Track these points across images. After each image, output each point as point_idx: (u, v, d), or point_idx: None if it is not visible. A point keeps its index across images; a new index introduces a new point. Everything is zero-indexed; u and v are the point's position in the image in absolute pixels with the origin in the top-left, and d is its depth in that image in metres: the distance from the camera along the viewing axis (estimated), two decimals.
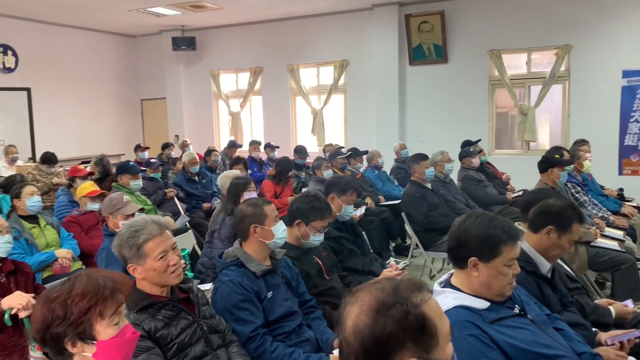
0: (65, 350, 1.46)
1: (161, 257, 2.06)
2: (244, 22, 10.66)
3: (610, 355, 2.10)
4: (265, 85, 10.85)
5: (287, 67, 10.39)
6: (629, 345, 2.17)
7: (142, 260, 2.06)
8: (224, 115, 11.62)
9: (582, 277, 3.23)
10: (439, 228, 4.72)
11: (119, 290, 1.50)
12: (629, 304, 2.64)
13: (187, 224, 5.32)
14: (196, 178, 6.54)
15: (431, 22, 8.97)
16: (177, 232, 4.40)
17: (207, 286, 3.02)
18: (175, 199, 6.03)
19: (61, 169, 7.52)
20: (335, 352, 2.40)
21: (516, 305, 1.88)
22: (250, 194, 4.07)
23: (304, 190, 6.25)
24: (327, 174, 5.90)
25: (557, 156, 4.64)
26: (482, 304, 1.80)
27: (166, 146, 9.01)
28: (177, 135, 11.34)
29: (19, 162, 8.14)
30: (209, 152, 7.76)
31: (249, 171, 7.64)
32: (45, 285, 3.08)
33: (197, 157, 6.77)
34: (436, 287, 1.93)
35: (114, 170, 5.93)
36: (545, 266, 2.39)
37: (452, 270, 1.95)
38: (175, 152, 9.42)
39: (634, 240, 4.66)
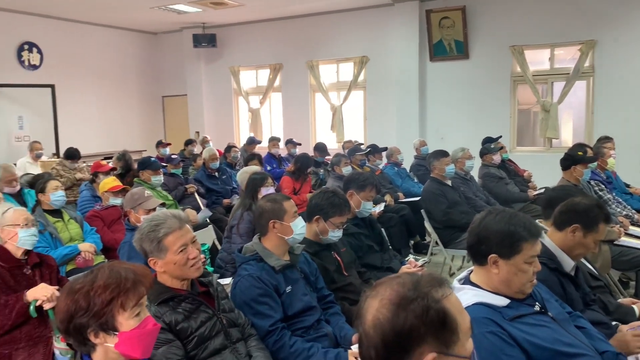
0: (88, 341, 1.48)
1: (181, 251, 2.08)
2: (264, 19, 10.69)
3: (627, 337, 2.09)
4: (284, 82, 10.87)
5: (306, 63, 10.40)
6: None
7: (162, 254, 2.08)
8: (243, 111, 11.68)
9: (605, 276, 3.18)
10: (459, 225, 4.68)
11: (141, 283, 1.52)
12: None
13: (207, 219, 5.36)
14: (216, 174, 6.59)
15: (452, 17, 8.89)
16: (197, 227, 4.45)
17: (227, 280, 3.05)
18: (196, 195, 6.09)
19: (84, 164, 7.65)
20: (354, 347, 2.40)
21: (537, 303, 1.85)
22: (267, 190, 4.09)
23: (322, 187, 6.25)
24: (346, 170, 5.89)
25: (580, 153, 4.57)
26: (501, 301, 1.78)
27: (189, 142, 9.09)
28: (197, 132, 11.43)
29: (43, 158, 8.29)
30: (229, 148, 7.81)
31: (268, 167, 7.69)
32: (68, 278, 3.14)
33: (217, 153, 6.82)
34: (455, 284, 1.92)
35: (135, 165, 6.01)
36: (568, 264, 2.35)
37: (472, 267, 1.94)
38: (196, 149, 9.50)
39: None
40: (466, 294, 1.80)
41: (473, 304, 1.75)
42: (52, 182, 4.27)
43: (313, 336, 2.50)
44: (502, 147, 6.42)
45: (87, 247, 3.98)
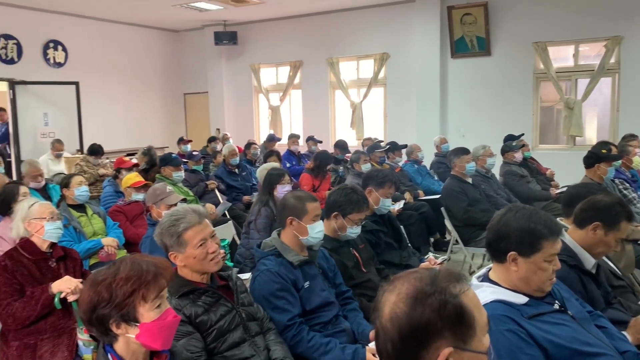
0: (110, 331, 1.52)
1: (200, 245, 2.11)
2: (285, 16, 10.71)
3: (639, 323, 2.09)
4: (304, 79, 10.88)
5: (326, 60, 10.39)
6: None
7: (182, 248, 2.11)
8: (263, 109, 11.73)
9: (629, 276, 3.12)
10: (479, 223, 4.64)
11: (161, 275, 1.55)
12: None
13: (227, 213, 5.40)
14: (236, 170, 6.64)
15: (474, 14, 8.79)
16: (217, 223, 4.49)
17: (246, 276, 3.07)
18: (216, 191, 6.14)
19: (107, 160, 7.76)
20: (371, 344, 2.40)
21: (556, 301, 1.83)
22: (283, 187, 4.10)
23: (341, 184, 6.25)
24: (365, 167, 5.89)
25: (604, 151, 4.49)
26: (520, 299, 1.76)
27: (212, 139, 9.17)
28: (218, 129, 11.52)
29: (66, 154, 8.44)
30: (249, 145, 7.86)
31: (288, 164, 7.71)
32: (91, 272, 3.20)
33: (237, 149, 6.87)
34: (474, 281, 1.91)
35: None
36: (589, 262, 2.32)
37: (491, 265, 1.92)
38: (219, 146, 9.58)
39: None
40: (484, 292, 1.79)
41: (491, 301, 1.74)
42: (76, 177, 4.36)
43: (331, 331, 2.51)
44: (523, 145, 6.35)
45: (109, 242, 4.05)
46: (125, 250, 4.25)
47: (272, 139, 9.05)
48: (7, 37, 8.98)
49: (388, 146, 6.95)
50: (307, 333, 2.39)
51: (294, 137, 8.52)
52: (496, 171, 5.89)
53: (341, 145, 7.80)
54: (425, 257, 3.73)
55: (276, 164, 5.18)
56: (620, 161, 4.80)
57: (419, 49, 9.33)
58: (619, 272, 2.65)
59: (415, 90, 9.48)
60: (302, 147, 8.67)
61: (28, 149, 8.95)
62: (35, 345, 2.63)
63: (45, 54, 9.60)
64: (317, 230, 2.59)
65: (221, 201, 5.98)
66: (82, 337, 2.49)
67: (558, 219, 2.46)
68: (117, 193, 5.28)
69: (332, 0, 9.40)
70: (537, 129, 8.88)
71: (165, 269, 1.58)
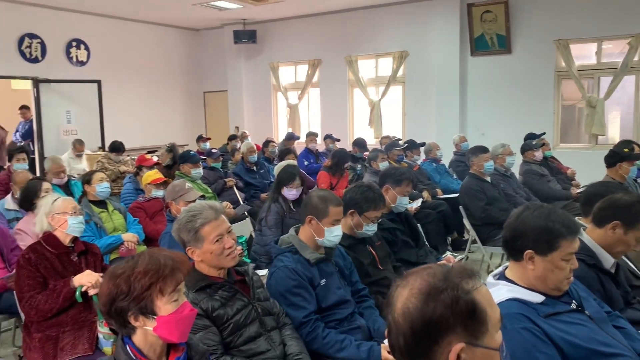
0: (128, 324, 1.55)
1: (217, 240, 2.14)
2: (304, 15, 10.73)
3: None
4: (323, 77, 10.89)
5: (345, 58, 10.38)
6: None
7: (199, 244, 2.14)
8: (282, 107, 11.77)
9: None
10: (498, 222, 4.60)
11: (179, 269, 1.58)
12: None
13: (245, 212, 5.44)
14: (254, 168, 6.68)
15: (494, 11, 8.71)
16: (235, 220, 4.52)
17: (263, 272, 3.10)
18: (235, 188, 6.19)
19: (128, 157, 7.88)
20: (387, 341, 2.40)
21: (573, 301, 1.81)
22: (290, 190, 4.09)
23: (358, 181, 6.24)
24: (383, 165, 5.87)
25: (626, 150, 4.43)
26: (537, 298, 1.75)
27: (232, 138, 9.25)
28: (237, 127, 11.60)
29: (88, 151, 8.59)
30: (267, 143, 7.90)
31: (305, 162, 7.73)
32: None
33: (255, 146, 6.91)
34: (490, 279, 1.90)
35: None
36: (608, 261, 2.28)
37: (507, 263, 1.91)
38: (238, 144, 9.64)
39: None
40: (500, 290, 1.78)
41: (507, 300, 1.74)
42: (98, 173, 4.44)
43: (346, 328, 2.52)
44: (543, 144, 6.27)
45: (130, 237, 4.11)
46: (145, 246, 4.31)
47: (291, 137, 9.08)
48: (32, 36, 9.16)
49: (406, 144, 6.93)
50: (322, 330, 2.41)
51: (312, 135, 8.54)
52: (516, 170, 5.83)
53: (360, 143, 7.80)
54: (443, 256, 3.72)
55: (294, 162, 5.19)
56: None
57: (439, 46, 9.28)
58: (639, 272, 2.61)
59: (434, 89, 9.42)
60: (320, 145, 8.68)
61: (51, 146, 9.12)
62: (57, 337, 2.68)
63: (68, 53, 9.77)
64: (334, 234, 2.58)
65: (239, 199, 6.02)
66: (102, 330, 2.55)
67: (576, 218, 2.43)
68: (137, 191, 5.36)
69: None
70: (558, 127, 8.76)
71: (182, 263, 1.61)
